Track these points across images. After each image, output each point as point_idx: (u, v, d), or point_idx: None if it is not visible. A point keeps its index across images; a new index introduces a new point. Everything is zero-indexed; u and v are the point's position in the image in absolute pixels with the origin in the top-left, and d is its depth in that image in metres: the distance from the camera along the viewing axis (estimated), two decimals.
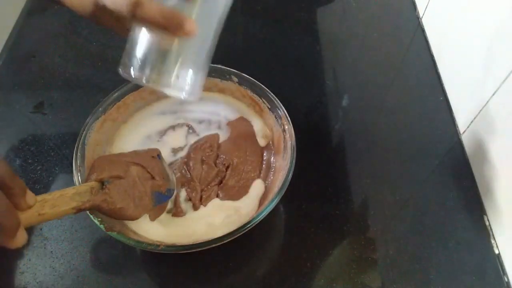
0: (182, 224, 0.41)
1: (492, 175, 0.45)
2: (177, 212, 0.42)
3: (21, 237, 0.28)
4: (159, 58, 0.32)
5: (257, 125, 0.49)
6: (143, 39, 0.32)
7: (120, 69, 0.33)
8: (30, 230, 0.45)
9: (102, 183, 0.36)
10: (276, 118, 0.45)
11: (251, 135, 0.48)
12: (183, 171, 0.45)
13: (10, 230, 0.27)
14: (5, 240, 0.27)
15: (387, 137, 0.53)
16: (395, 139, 0.53)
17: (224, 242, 0.36)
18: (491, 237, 0.44)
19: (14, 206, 0.28)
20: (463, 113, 0.52)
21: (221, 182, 0.44)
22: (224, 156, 0.45)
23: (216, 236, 0.36)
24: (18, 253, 0.43)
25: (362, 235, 0.44)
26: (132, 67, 0.32)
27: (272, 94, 0.46)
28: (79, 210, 0.33)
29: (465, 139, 0.51)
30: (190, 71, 0.33)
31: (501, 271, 0.42)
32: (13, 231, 0.27)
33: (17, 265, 0.42)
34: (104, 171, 0.36)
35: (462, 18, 0.53)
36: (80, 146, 0.41)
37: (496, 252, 0.43)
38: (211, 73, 0.49)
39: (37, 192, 0.46)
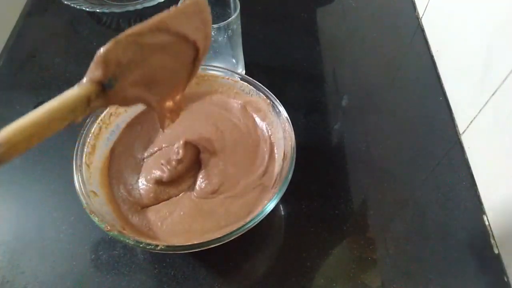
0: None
1: (492, 175, 0.46)
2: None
3: None
4: None
5: None
6: None
7: None
8: (30, 229, 0.45)
9: (103, 84, 0.27)
10: (276, 118, 0.45)
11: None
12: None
13: None
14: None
15: (386, 137, 0.53)
16: (394, 139, 0.53)
17: (224, 242, 0.36)
18: (491, 237, 0.44)
19: None
20: (462, 113, 0.52)
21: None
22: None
23: (215, 237, 0.36)
24: (18, 252, 0.43)
25: (362, 235, 0.45)
26: None
27: (272, 94, 0.46)
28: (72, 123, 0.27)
29: (465, 139, 0.51)
30: None
31: (501, 271, 0.42)
32: None
33: (17, 265, 0.42)
34: (109, 66, 0.27)
35: (461, 18, 0.53)
36: (80, 146, 0.41)
37: (496, 252, 0.43)
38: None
39: (36, 194, 0.47)
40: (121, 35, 0.27)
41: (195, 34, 0.31)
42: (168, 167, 0.42)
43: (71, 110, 0.26)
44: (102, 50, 0.27)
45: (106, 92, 0.27)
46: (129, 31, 0.27)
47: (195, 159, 0.44)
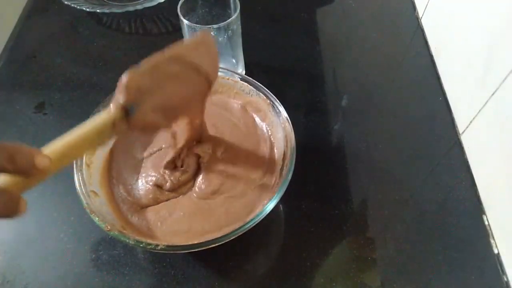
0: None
1: (491, 175, 0.46)
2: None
3: (22, 209, 0.26)
4: None
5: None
6: None
7: None
8: (30, 229, 0.45)
9: (126, 110, 0.31)
10: (276, 118, 0.45)
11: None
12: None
13: (10, 213, 0.25)
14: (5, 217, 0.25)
15: (386, 137, 0.53)
16: (394, 139, 0.53)
17: (224, 242, 0.36)
18: (491, 236, 0.44)
19: (25, 176, 0.26)
20: (462, 113, 0.52)
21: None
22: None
23: (215, 237, 0.36)
24: (19, 252, 0.43)
25: (362, 234, 0.45)
26: None
27: (272, 94, 0.46)
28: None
29: (465, 139, 0.51)
30: None
31: (500, 271, 0.42)
32: (13, 213, 0.25)
33: (17, 265, 0.42)
34: (131, 91, 0.30)
35: (461, 18, 0.53)
36: None
37: (496, 251, 0.43)
38: None
39: (36, 194, 0.47)
40: (141, 64, 0.31)
41: (205, 66, 0.35)
42: (172, 178, 0.42)
43: (98, 134, 0.29)
44: (124, 77, 0.30)
45: (129, 117, 0.30)
46: (148, 60, 0.31)
47: (197, 167, 0.44)
